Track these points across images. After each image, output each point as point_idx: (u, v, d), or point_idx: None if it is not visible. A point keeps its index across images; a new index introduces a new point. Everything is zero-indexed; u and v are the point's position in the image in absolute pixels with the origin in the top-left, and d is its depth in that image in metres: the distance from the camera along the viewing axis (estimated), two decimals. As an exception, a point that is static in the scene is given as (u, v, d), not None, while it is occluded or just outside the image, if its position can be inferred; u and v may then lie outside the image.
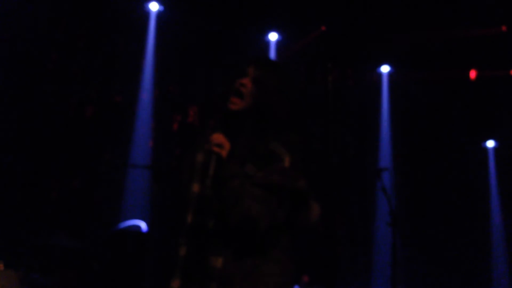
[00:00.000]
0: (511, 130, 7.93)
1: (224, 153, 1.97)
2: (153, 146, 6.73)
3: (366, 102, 7.95)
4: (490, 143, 8.29)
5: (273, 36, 7.49)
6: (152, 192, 5.96)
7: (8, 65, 6.18)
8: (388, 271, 4.63)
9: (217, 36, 7.12)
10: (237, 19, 7.04)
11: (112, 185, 6.32)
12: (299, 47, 7.51)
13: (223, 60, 6.96)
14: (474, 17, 6.95)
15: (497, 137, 8.25)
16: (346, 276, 6.93)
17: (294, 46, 7.54)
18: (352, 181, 7.41)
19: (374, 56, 7.79)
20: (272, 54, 7.37)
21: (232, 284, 1.93)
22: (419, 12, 6.93)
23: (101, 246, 4.96)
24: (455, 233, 7.67)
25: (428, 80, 7.80)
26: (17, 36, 6.27)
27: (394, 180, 7.53)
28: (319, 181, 2.07)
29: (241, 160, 1.98)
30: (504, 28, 7.12)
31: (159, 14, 6.95)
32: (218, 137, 1.99)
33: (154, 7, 6.90)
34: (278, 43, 7.51)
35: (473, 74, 7.76)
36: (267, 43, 7.48)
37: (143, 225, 5.13)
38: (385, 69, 8.03)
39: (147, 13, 6.92)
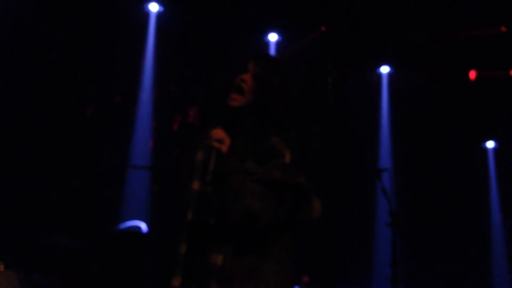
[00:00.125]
0: (511, 131, 7.93)
1: (224, 149, 1.96)
2: (153, 147, 6.73)
3: (366, 103, 7.95)
4: (490, 144, 8.29)
5: (273, 37, 7.49)
6: (152, 193, 5.97)
7: (8, 65, 6.18)
8: (388, 272, 4.64)
9: (217, 37, 7.13)
10: (237, 19, 7.04)
11: (112, 185, 6.32)
12: (299, 48, 7.52)
13: (223, 60, 6.97)
14: (473, 17, 6.96)
15: (496, 138, 8.25)
16: (346, 276, 6.94)
17: (294, 46, 7.54)
18: (352, 182, 7.41)
19: (374, 56, 7.80)
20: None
21: (232, 282, 1.92)
22: (418, 12, 6.94)
23: (101, 246, 4.96)
24: (455, 234, 7.67)
25: (428, 80, 7.80)
26: (17, 36, 6.27)
27: (394, 180, 7.54)
28: (319, 181, 2.06)
29: (241, 157, 1.97)
30: (503, 28, 7.13)
31: (159, 15, 6.95)
32: (218, 133, 1.98)
33: (154, 7, 6.91)
34: (278, 43, 7.52)
35: (472, 74, 7.76)
36: (267, 43, 7.48)
37: (143, 226, 5.13)
38: (385, 69, 8.03)
39: (147, 13, 6.93)
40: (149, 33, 6.93)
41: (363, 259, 7.46)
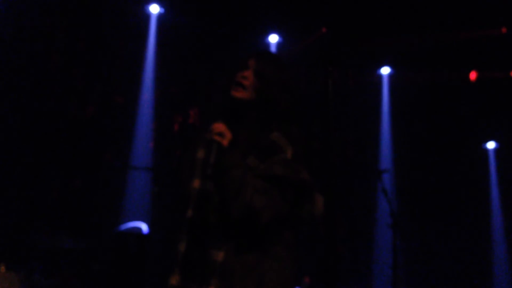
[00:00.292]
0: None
1: (225, 142, 1.96)
2: (153, 147, 6.74)
3: (367, 104, 7.96)
4: (491, 144, 8.29)
5: (273, 38, 7.50)
6: (153, 194, 5.97)
7: (10, 65, 6.19)
8: (389, 273, 4.64)
9: (218, 38, 7.14)
10: (238, 21, 7.05)
11: (113, 186, 6.33)
12: (299, 49, 7.52)
13: (223, 62, 6.98)
14: (474, 18, 6.96)
15: (497, 138, 8.25)
16: (347, 277, 6.93)
17: (295, 47, 7.55)
18: (353, 183, 7.41)
19: (374, 57, 7.80)
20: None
21: (233, 280, 1.90)
22: (419, 13, 6.94)
23: (102, 247, 4.97)
24: (456, 234, 7.67)
25: (429, 81, 7.80)
26: (19, 38, 6.28)
27: (395, 181, 7.54)
28: (319, 181, 2.06)
29: (243, 152, 1.97)
30: (504, 29, 7.13)
31: (160, 16, 6.97)
32: (219, 126, 1.98)
33: (154, 9, 6.93)
34: (279, 44, 7.52)
35: (473, 75, 7.76)
36: (267, 45, 7.49)
37: (144, 227, 5.14)
38: (385, 70, 8.03)
39: (148, 15, 6.94)
40: (150, 34, 6.94)
41: (364, 260, 7.45)
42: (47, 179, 6.20)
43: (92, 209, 6.09)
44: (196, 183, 2.04)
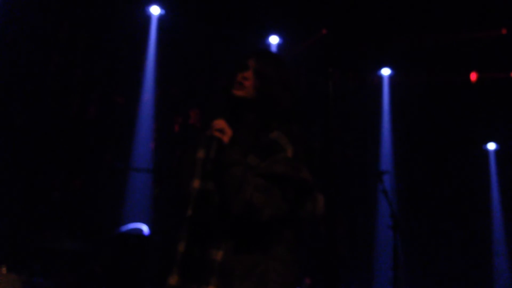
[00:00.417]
0: (512, 133, 7.94)
1: (225, 139, 1.96)
2: (154, 148, 6.74)
3: (367, 105, 7.96)
4: (491, 146, 8.29)
5: (274, 39, 7.50)
6: (154, 195, 5.97)
7: (11, 66, 6.20)
8: (389, 274, 4.64)
9: (218, 39, 7.15)
10: (238, 22, 7.05)
11: (114, 188, 6.33)
12: (300, 50, 7.53)
13: (223, 63, 6.98)
14: (474, 20, 6.96)
15: (498, 140, 8.25)
16: (348, 278, 6.93)
17: (296, 49, 7.55)
18: (354, 184, 7.41)
19: (375, 58, 7.80)
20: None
21: (232, 279, 1.89)
22: (419, 14, 6.95)
23: (103, 249, 4.96)
24: (456, 236, 7.67)
25: (429, 82, 7.81)
26: (20, 39, 6.29)
27: (395, 182, 7.54)
28: (320, 180, 2.05)
29: (243, 151, 1.96)
30: (504, 30, 7.13)
31: (161, 18, 6.98)
32: (220, 123, 1.98)
33: (155, 11, 6.94)
34: (279, 46, 7.53)
35: (473, 76, 7.77)
36: (268, 46, 7.50)
37: (145, 228, 5.14)
38: (386, 71, 8.04)
39: (148, 16, 6.95)
40: (151, 35, 6.95)
41: (364, 261, 7.46)
42: (48, 180, 6.21)
43: (93, 210, 6.10)
44: (196, 183, 2.04)
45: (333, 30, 7.28)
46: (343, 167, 7.21)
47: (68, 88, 6.57)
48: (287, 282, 1.98)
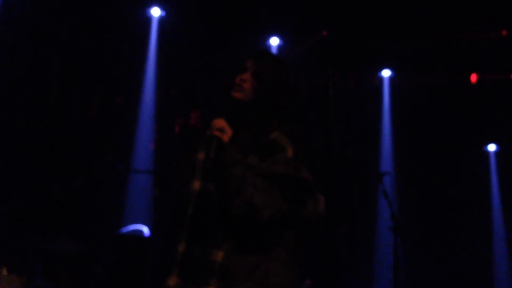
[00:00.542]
0: (512, 134, 7.94)
1: (225, 138, 1.96)
2: (155, 149, 6.75)
3: (368, 106, 7.96)
4: (492, 147, 8.29)
5: (274, 41, 7.51)
6: (154, 197, 5.98)
7: (12, 67, 6.21)
8: (390, 276, 4.64)
9: (218, 41, 7.15)
10: (239, 23, 7.06)
11: (114, 189, 6.33)
12: (300, 52, 7.53)
13: (224, 64, 6.99)
14: (474, 21, 6.97)
15: (498, 141, 8.25)
16: (348, 280, 6.93)
17: (296, 50, 7.56)
18: (354, 185, 7.41)
19: (375, 60, 7.81)
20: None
21: (232, 281, 1.89)
22: (420, 16, 6.95)
23: (103, 250, 4.96)
24: (457, 237, 7.67)
25: (429, 84, 7.81)
26: (21, 40, 6.31)
27: (396, 184, 7.53)
28: (320, 181, 2.05)
29: (243, 151, 1.96)
30: (504, 32, 7.14)
31: (161, 19, 6.99)
32: (220, 122, 1.98)
33: (156, 12, 6.95)
34: (280, 47, 7.53)
35: (474, 78, 7.77)
36: (268, 47, 7.50)
37: (145, 230, 5.14)
38: (386, 73, 8.04)
39: (149, 18, 6.96)
40: (151, 37, 6.96)
41: (365, 262, 7.45)
42: (49, 181, 6.21)
43: (94, 211, 6.10)
44: (197, 185, 2.04)
45: (334, 31, 7.28)
46: (343, 168, 7.20)
47: (69, 90, 6.58)
48: (287, 284, 1.97)
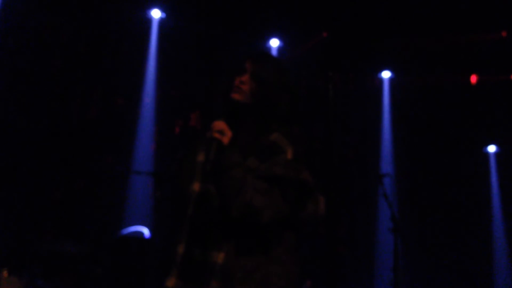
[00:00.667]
0: (512, 135, 7.94)
1: (225, 140, 1.96)
2: (155, 150, 6.75)
3: (367, 108, 7.97)
4: (491, 148, 8.29)
5: (274, 42, 7.52)
6: (155, 198, 5.98)
7: (12, 67, 6.22)
8: (390, 277, 4.65)
9: (219, 43, 7.16)
10: (238, 25, 7.07)
11: (115, 190, 6.34)
12: (300, 53, 7.54)
13: (224, 66, 7.00)
14: (474, 22, 6.97)
15: (498, 142, 8.26)
16: (348, 281, 6.94)
17: (296, 52, 7.57)
18: (354, 187, 7.42)
19: (375, 61, 7.82)
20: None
21: (233, 282, 1.88)
22: (420, 17, 6.96)
23: (104, 251, 4.97)
24: (457, 238, 7.67)
25: (429, 85, 7.81)
26: (21, 41, 6.32)
27: (396, 185, 7.54)
28: (320, 182, 2.06)
29: (243, 153, 1.96)
30: (504, 33, 7.15)
31: (161, 21, 7.00)
32: (219, 124, 1.98)
33: (156, 14, 6.96)
34: (280, 49, 7.54)
35: (473, 79, 7.78)
36: (268, 49, 7.51)
37: (145, 231, 5.15)
38: (386, 74, 8.05)
39: (149, 20, 6.98)
40: (152, 38, 6.97)
41: (365, 264, 7.45)
42: (49, 182, 6.21)
43: (94, 213, 6.10)
44: (197, 186, 2.04)
45: (334, 33, 7.29)
46: (343, 169, 7.21)
47: (69, 91, 6.58)
48: (288, 285, 1.97)
